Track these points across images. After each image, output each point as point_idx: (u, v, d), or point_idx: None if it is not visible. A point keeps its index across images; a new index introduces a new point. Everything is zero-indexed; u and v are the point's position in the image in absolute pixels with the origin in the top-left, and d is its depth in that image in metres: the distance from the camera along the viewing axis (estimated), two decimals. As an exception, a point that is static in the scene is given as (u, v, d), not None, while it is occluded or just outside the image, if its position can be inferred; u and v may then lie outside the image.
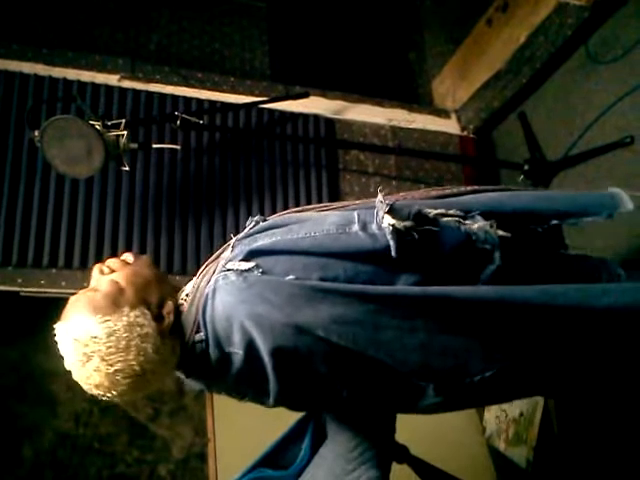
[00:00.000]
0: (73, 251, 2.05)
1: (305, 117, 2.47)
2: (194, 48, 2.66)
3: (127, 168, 1.89)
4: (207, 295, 0.96)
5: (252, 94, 2.43)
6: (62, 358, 0.99)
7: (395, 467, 1.40)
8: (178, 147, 2.21)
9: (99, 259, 2.04)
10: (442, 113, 2.75)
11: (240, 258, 0.96)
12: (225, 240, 2.14)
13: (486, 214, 1.05)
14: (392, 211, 0.96)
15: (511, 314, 0.98)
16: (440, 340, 0.96)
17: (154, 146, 2.05)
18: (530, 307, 0.99)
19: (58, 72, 2.21)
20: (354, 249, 0.95)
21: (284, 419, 1.36)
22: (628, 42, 2.06)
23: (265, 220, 1.10)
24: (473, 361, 0.98)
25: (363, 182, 2.50)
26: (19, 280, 1.98)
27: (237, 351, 0.94)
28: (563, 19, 2.17)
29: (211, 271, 1.02)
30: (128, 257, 1.09)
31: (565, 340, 1.02)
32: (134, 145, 1.87)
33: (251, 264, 0.94)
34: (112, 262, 1.07)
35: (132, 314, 0.96)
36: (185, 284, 1.11)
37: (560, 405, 2.07)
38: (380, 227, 0.95)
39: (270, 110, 2.41)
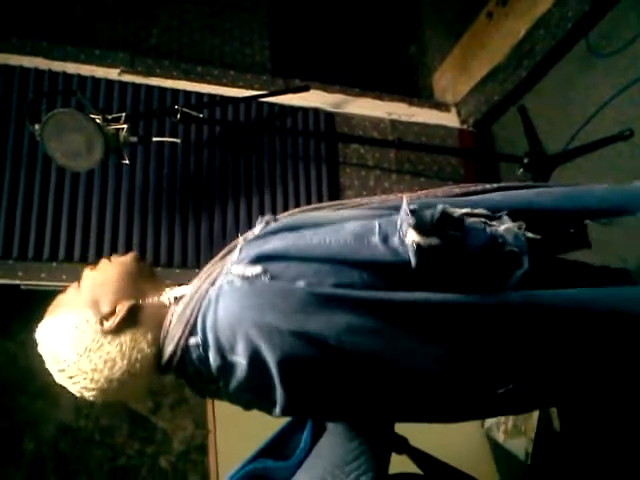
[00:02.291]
0: (74, 244, 2.06)
1: (305, 111, 2.47)
2: (194, 42, 2.66)
3: (127, 162, 1.90)
4: (209, 300, 0.90)
5: (252, 88, 2.43)
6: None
7: (395, 458, 1.41)
8: (178, 141, 2.21)
9: (99, 252, 2.06)
10: (442, 107, 2.75)
11: (247, 262, 0.89)
12: (224, 233, 2.20)
13: (514, 214, 0.99)
14: (417, 224, 0.87)
15: (539, 322, 0.94)
16: (465, 351, 0.92)
17: (154, 139, 2.04)
18: (560, 313, 0.95)
19: (58, 66, 2.21)
20: (372, 261, 0.88)
21: (284, 410, 1.36)
22: (628, 35, 2.06)
23: (276, 219, 1.02)
24: (499, 373, 0.94)
25: (363, 175, 2.51)
26: (20, 273, 1.99)
27: (240, 360, 0.89)
28: (563, 12, 2.17)
29: (214, 274, 0.95)
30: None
31: (592, 346, 0.97)
32: (134, 139, 1.87)
33: (258, 269, 0.87)
34: (103, 261, 1.05)
35: (72, 315, 0.95)
36: (177, 284, 1.06)
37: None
38: (403, 242, 0.88)
39: (270, 104, 2.42)
